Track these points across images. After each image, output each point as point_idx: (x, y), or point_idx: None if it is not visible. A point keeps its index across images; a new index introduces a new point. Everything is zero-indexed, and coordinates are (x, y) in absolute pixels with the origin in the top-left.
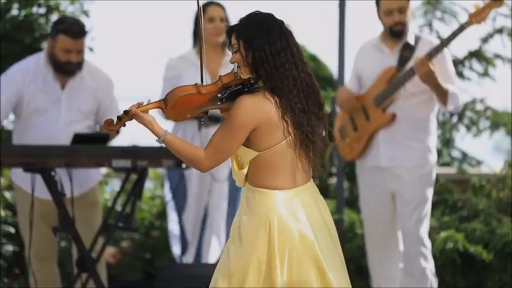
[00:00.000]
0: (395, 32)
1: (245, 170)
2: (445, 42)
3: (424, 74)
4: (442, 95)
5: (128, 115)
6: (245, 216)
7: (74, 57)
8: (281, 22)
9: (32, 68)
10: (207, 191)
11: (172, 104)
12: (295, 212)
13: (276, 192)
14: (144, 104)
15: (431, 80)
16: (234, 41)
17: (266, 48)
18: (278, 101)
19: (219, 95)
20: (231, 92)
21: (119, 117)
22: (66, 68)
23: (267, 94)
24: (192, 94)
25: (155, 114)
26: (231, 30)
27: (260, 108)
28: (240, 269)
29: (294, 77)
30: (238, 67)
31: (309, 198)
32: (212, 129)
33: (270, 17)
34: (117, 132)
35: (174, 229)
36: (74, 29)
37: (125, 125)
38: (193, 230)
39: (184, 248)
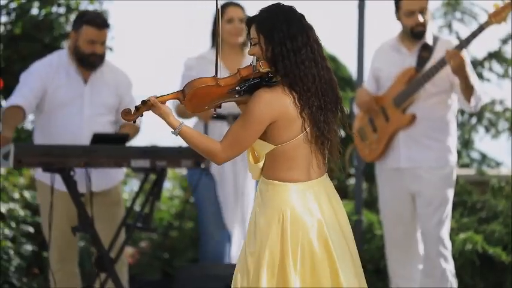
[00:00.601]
0: (416, 33)
1: (261, 163)
2: (464, 43)
3: (457, 64)
4: (469, 89)
5: (146, 105)
6: (259, 209)
7: (98, 48)
8: (302, 16)
9: (55, 63)
10: (241, 187)
11: (191, 96)
12: (309, 203)
13: (289, 185)
14: (162, 94)
15: (462, 71)
16: (253, 33)
17: (287, 43)
18: (297, 97)
19: (237, 88)
20: (250, 85)
21: (136, 107)
22: (90, 61)
23: (286, 89)
24: (210, 86)
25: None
26: (250, 22)
27: (278, 103)
28: (256, 264)
29: (313, 74)
30: (257, 60)
31: (322, 191)
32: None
33: (291, 10)
34: (134, 121)
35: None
36: (97, 20)
37: (142, 115)
38: (236, 226)
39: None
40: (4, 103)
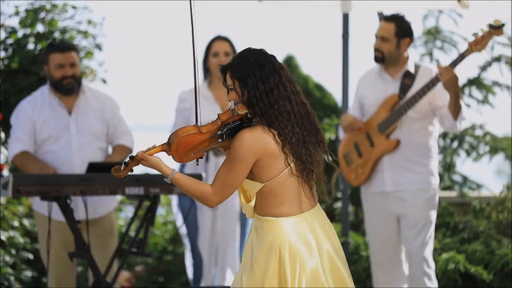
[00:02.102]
0: (374, 57)
1: (253, 202)
2: (455, 62)
3: (450, 79)
4: (458, 106)
5: (134, 160)
6: (255, 245)
7: (68, 71)
8: (273, 57)
9: (39, 99)
10: (220, 216)
11: (176, 145)
12: (304, 235)
13: (282, 219)
14: (150, 148)
15: (454, 87)
16: (228, 80)
17: (260, 86)
18: (276, 134)
19: (218, 132)
20: (230, 128)
21: (125, 163)
22: (63, 85)
23: (265, 128)
24: (193, 134)
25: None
26: (225, 69)
27: (259, 141)
28: None
29: (287, 112)
30: (235, 104)
31: (315, 223)
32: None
33: (262, 53)
34: (125, 177)
35: (187, 256)
36: (60, 45)
37: (132, 170)
38: (209, 256)
39: (198, 274)
40: (3, 136)
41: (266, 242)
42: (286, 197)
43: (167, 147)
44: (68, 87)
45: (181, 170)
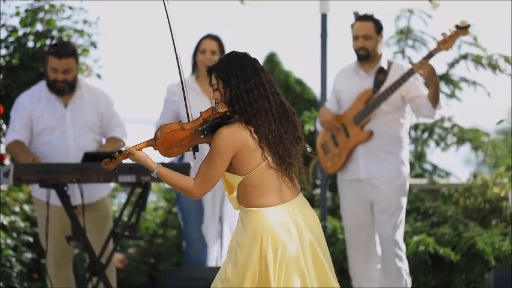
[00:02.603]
0: (359, 56)
1: (235, 194)
2: (428, 56)
3: (430, 72)
4: (437, 95)
5: (122, 154)
6: (240, 235)
7: (60, 76)
8: (255, 60)
9: (37, 93)
10: (220, 200)
11: (161, 141)
12: (285, 223)
13: (264, 210)
14: (137, 144)
15: (433, 77)
16: (213, 79)
17: (241, 86)
18: (253, 130)
19: (199, 128)
20: (210, 125)
21: (113, 157)
22: (55, 87)
23: (242, 124)
24: (176, 130)
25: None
26: (211, 70)
27: (237, 137)
28: (237, 281)
29: (266, 110)
30: (216, 102)
31: (297, 212)
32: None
33: (245, 56)
34: (114, 169)
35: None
36: (59, 50)
37: (121, 163)
38: (212, 237)
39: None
40: (5, 127)
41: (249, 231)
42: (266, 188)
43: (153, 142)
44: (59, 89)
45: (180, 159)
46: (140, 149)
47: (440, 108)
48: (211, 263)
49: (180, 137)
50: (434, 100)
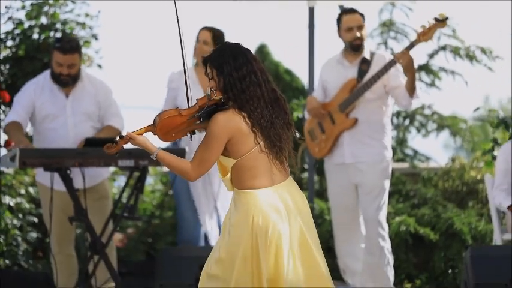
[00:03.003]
0: (354, 46)
1: (228, 176)
2: (410, 47)
3: (408, 62)
4: (413, 85)
5: (123, 139)
6: (233, 215)
7: (64, 70)
8: (247, 50)
9: (41, 82)
10: (208, 181)
11: (160, 126)
12: (275, 204)
13: (255, 191)
14: (138, 129)
15: (411, 68)
16: (208, 69)
17: (234, 74)
18: (246, 116)
19: (196, 115)
20: (206, 111)
21: (115, 142)
22: (59, 80)
23: (236, 110)
24: (174, 116)
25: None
26: (206, 60)
27: (231, 122)
28: (230, 258)
29: (258, 97)
30: (212, 90)
31: (285, 193)
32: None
33: (237, 46)
34: (116, 154)
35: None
36: (64, 46)
37: (122, 148)
38: (207, 215)
39: (182, 236)
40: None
41: (241, 211)
42: (258, 171)
43: (152, 127)
44: (63, 82)
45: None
46: (140, 134)
47: (417, 98)
48: (202, 242)
49: (178, 122)
50: (411, 89)
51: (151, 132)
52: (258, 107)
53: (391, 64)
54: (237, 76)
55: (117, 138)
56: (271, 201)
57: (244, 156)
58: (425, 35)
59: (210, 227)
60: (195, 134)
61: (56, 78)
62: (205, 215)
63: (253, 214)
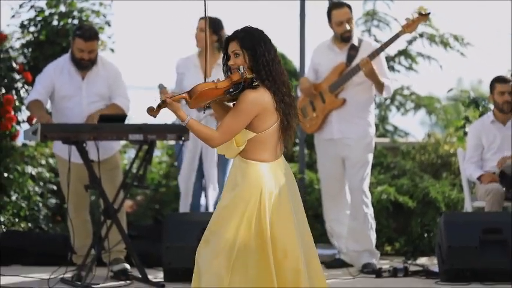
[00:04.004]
0: (344, 38)
1: (242, 147)
2: (383, 47)
3: (368, 70)
4: (380, 86)
5: (164, 103)
6: (240, 179)
7: (85, 55)
8: (268, 37)
9: (61, 65)
10: (198, 157)
11: (196, 96)
12: (278, 177)
13: (262, 164)
14: (175, 95)
15: (372, 75)
16: (235, 47)
17: (266, 55)
18: (273, 95)
19: (230, 89)
20: (241, 87)
21: (159, 105)
22: (80, 64)
23: (266, 89)
24: (211, 89)
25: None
26: (231, 39)
27: (262, 100)
28: (238, 219)
29: (281, 79)
30: (243, 68)
31: (283, 167)
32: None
33: (263, 32)
34: (155, 116)
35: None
36: (86, 33)
37: (159, 112)
38: (186, 188)
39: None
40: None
41: (250, 180)
42: (267, 147)
43: (188, 96)
44: (84, 65)
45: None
46: (176, 100)
47: (389, 91)
48: (182, 209)
49: (213, 94)
50: (378, 90)
51: (184, 100)
52: (281, 87)
53: (378, 52)
54: (269, 58)
55: (159, 102)
56: (274, 174)
57: (264, 132)
58: (409, 27)
59: (187, 200)
60: (208, 107)
61: (77, 62)
62: (185, 186)
63: (260, 185)
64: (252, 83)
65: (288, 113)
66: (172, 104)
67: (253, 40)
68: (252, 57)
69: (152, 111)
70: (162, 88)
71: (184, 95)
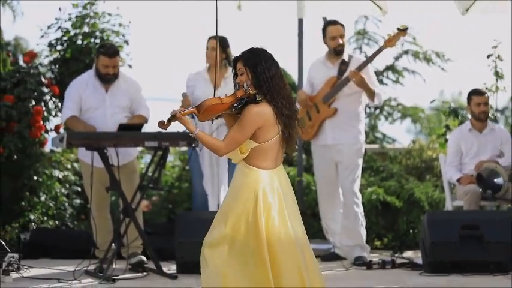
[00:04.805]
0: (337, 51)
1: (246, 155)
2: (369, 60)
3: (358, 80)
4: (371, 94)
5: (174, 117)
6: (240, 182)
7: (110, 70)
8: (271, 54)
9: (85, 79)
10: (215, 163)
11: (204, 110)
12: (274, 184)
13: (263, 171)
14: (185, 110)
15: (363, 84)
16: (240, 66)
17: (266, 72)
18: (274, 109)
19: (235, 105)
20: (244, 102)
21: (169, 119)
22: (105, 78)
23: (267, 104)
24: (217, 104)
25: None
26: (238, 59)
27: (263, 114)
28: (236, 216)
29: (282, 94)
30: (247, 85)
31: (280, 175)
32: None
33: (265, 50)
34: (166, 129)
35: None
36: (109, 51)
37: (170, 124)
38: (212, 189)
39: (196, 205)
40: (60, 105)
41: (249, 183)
42: (268, 156)
43: (196, 110)
44: (108, 79)
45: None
46: (185, 115)
47: (380, 100)
48: (211, 208)
49: (220, 109)
50: (370, 97)
51: (193, 114)
52: (281, 101)
53: (364, 65)
54: (269, 75)
55: (170, 116)
56: (270, 180)
57: (265, 143)
58: (390, 41)
59: (213, 200)
60: (217, 118)
61: (102, 77)
62: (209, 189)
63: (257, 189)
64: (255, 98)
65: (288, 124)
66: (182, 118)
67: (255, 59)
68: (254, 74)
69: (163, 125)
70: (185, 96)
71: (193, 109)
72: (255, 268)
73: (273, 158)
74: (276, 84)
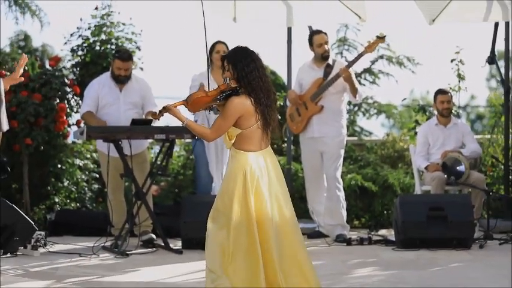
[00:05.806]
0: (324, 57)
1: (233, 141)
2: (354, 60)
3: (347, 76)
4: (354, 90)
5: (165, 109)
6: (230, 166)
7: (123, 72)
8: (253, 52)
9: (103, 80)
10: (220, 151)
11: (192, 102)
12: (260, 164)
13: (249, 153)
14: (174, 103)
15: (350, 80)
16: (225, 64)
17: (245, 68)
18: (253, 100)
19: (218, 97)
20: (226, 95)
21: (160, 111)
22: (119, 79)
23: (246, 96)
24: (203, 96)
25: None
26: (224, 57)
27: (244, 104)
28: (229, 197)
29: (260, 87)
30: (229, 79)
31: (267, 156)
32: (213, 116)
33: (247, 48)
34: (158, 119)
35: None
36: (123, 55)
37: (163, 115)
38: (218, 174)
39: (200, 189)
40: (80, 102)
41: (237, 165)
42: (253, 140)
43: (185, 102)
44: (121, 80)
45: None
46: (175, 107)
47: (360, 97)
48: (215, 192)
49: (206, 101)
50: (352, 93)
51: (183, 106)
52: (260, 94)
53: (338, 75)
54: (248, 70)
55: (161, 108)
56: (258, 161)
57: (247, 129)
58: (369, 48)
59: (218, 182)
60: (212, 110)
61: (116, 78)
62: (215, 174)
63: (245, 169)
64: (237, 90)
65: (266, 113)
66: (172, 109)
67: (236, 57)
68: (235, 70)
69: (155, 115)
70: (202, 85)
71: (182, 102)
72: (248, 246)
73: (257, 142)
74: (254, 79)
